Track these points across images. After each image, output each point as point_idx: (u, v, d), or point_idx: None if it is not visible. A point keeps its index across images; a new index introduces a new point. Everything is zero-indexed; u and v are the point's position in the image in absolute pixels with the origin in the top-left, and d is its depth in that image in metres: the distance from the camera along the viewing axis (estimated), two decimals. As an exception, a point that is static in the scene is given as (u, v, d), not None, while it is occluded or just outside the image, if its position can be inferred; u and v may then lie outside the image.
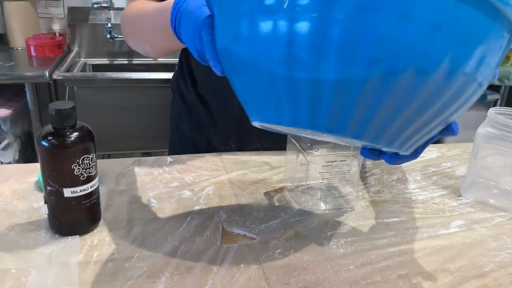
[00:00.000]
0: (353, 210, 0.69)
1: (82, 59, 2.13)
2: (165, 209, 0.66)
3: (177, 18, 0.54)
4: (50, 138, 0.54)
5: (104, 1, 1.99)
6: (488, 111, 0.71)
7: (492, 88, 2.29)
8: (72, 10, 2.09)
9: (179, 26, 0.54)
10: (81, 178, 0.56)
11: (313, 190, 0.71)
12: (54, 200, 0.56)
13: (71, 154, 0.54)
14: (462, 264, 0.58)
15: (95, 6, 1.99)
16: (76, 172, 0.55)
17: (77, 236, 0.59)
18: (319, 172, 0.68)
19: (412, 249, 0.61)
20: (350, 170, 0.69)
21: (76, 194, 0.56)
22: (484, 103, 2.23)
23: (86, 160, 0.56)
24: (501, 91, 2.30)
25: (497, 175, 0.74)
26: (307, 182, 0.69)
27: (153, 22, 0.66)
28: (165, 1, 0.64)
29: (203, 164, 0.81)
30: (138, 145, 1.94)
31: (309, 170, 0.67)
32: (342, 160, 0.67)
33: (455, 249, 0.61)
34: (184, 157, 0.84)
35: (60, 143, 0.54)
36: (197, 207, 0.67)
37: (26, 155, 1.94)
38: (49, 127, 0.55)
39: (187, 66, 0.93)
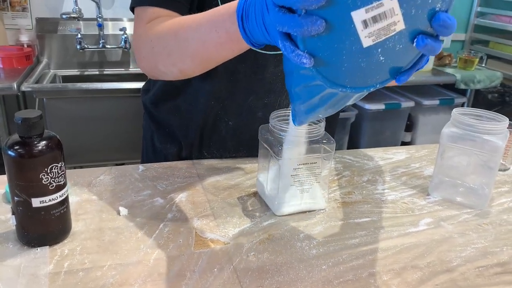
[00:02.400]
0: (325, 212, 0.70)
1: (52, 70, 2.09)
2: (137, 217, 0.66)
3: (245, 7, 0.51)
4: (16, 147, 0.53)
5: (73, 12, 1.97)
6: (452, 111, 0.74)
7: (459, 92, 2.37)
8: (40, 21, 2.05)
9: (247, 16, 0.51)
10: (49, 188, 0.55)
11: (285, 193, 0.72)
12: (22, 211, 0.55)
13: (39, 163, 0.54)
14: (431, 260, 0.60)
15: (64, 17, 1.96)
16: (45, 181, 0.54)
17: (47, 247, 0.58)
18: (291, 175, 0.68)
19: (382, 248, 0.62)
20: (321, 173, 0.70)
21: (45, 204, 0.55)
22: (451, 107, 2.30)
23: (54, 169, 0.55)
24: (467, 95, 2.40)
25: (463, 174, 0.76)
26: (280, 186, 0.69)
27: (204, 30, 0.61)
28: (214, 9, 0.60)
29: (175, 172, 0.81)
30: (111, 156, 1.91)
31: (281, 174, 0.68)
32: (313, 163, 0.68)
33: (424, 246, 0.63)
34: (156, 165, 0.83)
35: (27, 153, 0.53)
36: (170, 215, 0.67)
37: (-5, 170, 1.89)
38: (15, 137, 0.54)
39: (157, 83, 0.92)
